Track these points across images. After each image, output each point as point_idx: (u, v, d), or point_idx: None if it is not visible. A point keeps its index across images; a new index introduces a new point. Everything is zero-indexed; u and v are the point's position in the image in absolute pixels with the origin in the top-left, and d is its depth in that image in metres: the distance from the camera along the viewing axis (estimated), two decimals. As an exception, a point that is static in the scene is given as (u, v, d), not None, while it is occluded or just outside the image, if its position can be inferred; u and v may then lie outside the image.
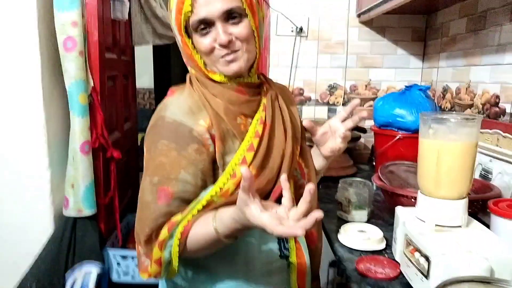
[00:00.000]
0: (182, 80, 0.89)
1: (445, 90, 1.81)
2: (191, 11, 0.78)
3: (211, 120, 0.80)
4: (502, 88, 1.38)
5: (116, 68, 2.20)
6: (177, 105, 0.82)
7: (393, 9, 1.66)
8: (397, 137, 1.61)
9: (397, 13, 1.98)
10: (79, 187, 1.72)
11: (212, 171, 0.81)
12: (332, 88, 2.10)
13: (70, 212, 1.74)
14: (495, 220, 0.99)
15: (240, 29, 0.80)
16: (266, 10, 2.00)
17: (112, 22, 2.11)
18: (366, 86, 2.10)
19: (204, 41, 0.80)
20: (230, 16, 0.79)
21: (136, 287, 1.93)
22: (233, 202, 0.73)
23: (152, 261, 0.78)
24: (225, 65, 0.81)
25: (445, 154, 0.90)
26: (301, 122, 0.97)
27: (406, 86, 1.74)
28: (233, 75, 0.83)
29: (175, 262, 0.77)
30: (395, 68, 2.08)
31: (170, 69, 4.61)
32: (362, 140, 2.05)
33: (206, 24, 0.79)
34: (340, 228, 1.16)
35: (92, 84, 1.78)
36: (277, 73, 2.04)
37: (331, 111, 2.11)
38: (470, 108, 1.58)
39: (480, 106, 1.50)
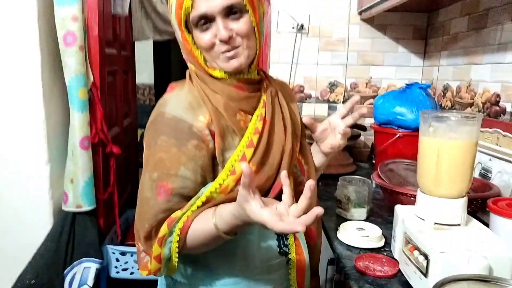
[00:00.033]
0: (182, 76, 0.89)
1: (446, 88, 1.80)
2: (192, 6, 0.77)
3: (210, 116, 0.79)
4: (502, 87, 1.38)
5: (116, 63, 2.20)
6: (177, 101, 0.81)
7: (394, 7, 1.66)
8: (397, 135, 1.61)
9: (399, 11, 1.98)
10: (78, 182, 1.72)
11: (212, 167, 0.80)
12: (332, 86, 2.10)
13: (69, 207, 1.74)
14: (495, 219, 0.99)
15: (240, 24, 0.79)
16: (267, 7, 2.00)
17: (113, 17, 2.10)
18: (366, 84, 2.10)
19: (204, 37, 0.80)
20: (231, 11, 0.79)
21: (134, 283, 1.93)
22: (233, 199, 0.73)
23: (152, 258, 0.78)
24: (226, 61, 0.81)
25: (445, 152, 0.90)
26: (301, 118, 0.96)
27: (406, 84, 1.74)
28: (233, 71, 0.82)
29: (175, 259, 0.77)
30: (396, 66, 2.08)
31: (170, 65, 4.60)
32: (362, 138, 2.05)
33: (206, 20, 0.78)
34: (339, 226, 1.16)
35: (92, 79, 1.78)
36: (277, 70, 2.04)
37: (332, 109, 2.11)
38: (470, 107, 1.58)
39: (481, 105, 1.50)
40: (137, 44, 2.72)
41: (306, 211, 0.65)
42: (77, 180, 1.72)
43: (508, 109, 1.34)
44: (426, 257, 0.81)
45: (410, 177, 1.32)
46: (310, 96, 2.11)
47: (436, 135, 0.92)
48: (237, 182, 0.77)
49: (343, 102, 2.11)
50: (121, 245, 1.98)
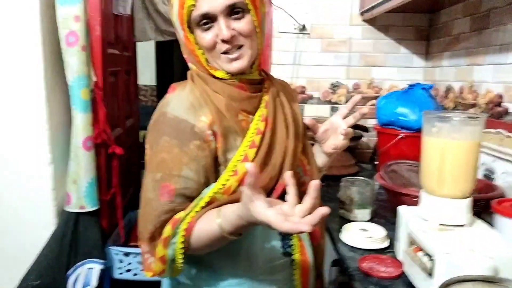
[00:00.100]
0: (184, 77, 0.89)
1: (448, 89, 1.80)
2: (194, 6, 0.77)
3: (212, 117, 0.79)
4: (505, 88, 1.38)
5: (118, 63, 2.20)
6: (178, 101, 0.81)
7: (396, 8, 1.65)
8: (400, 136, 1.61)
9: (401, 12, 1.98)
10: (81, 183, 1.72)
11: (214, 168, 0.80)
12: (334, 87, 2.10)
13: (73, 208, 1.73)
14: (499, 219, 0.99)
15: (242, 24, 0.79)
16: (269, 8, 2.00)
17: (115, 17, 2.10)
18: (368, 84, 2.10)
19: (206, 36, 0.79)
20: (233, 11, 0.79)
21: (138, 284, 1.93)
22: (236, 200, 0.73)
23: (156, 259, 0.77)
24: (228, 62, 0.81)
25: (448, 152, 0.90)
26: (302, 119, 0.96)
27: (409, 85, 1.74)
28: (235, 73, 0.82)
29: (179, 260, 0.77)
30: (398, 67, 2.08)
31: (173, 66, 4.60)
32: (364, 139, 2.05)
33: (208, 19, 0.78)
34: (342, 227, 1.16)
35: (94, 79, 1.78)
36: (279, 71, 2.04)
37: (334, 110, 2.11)
38: (473, 108, 1.58)
39: (483, 106, 1.50)
40: (139, 45, 2.72)
41: (311, 211, 0.65)
42: (80, 181, 1.72)
43: (510, 110, 1.34)
44: (430, 258, 0.81)
45: (413, 178, 1.32)
46: (312, 97, 2.11)
47: (440, 136, 0.92)
48: (240, 182, 0.77)
49: (345, 103, 2.10)
50: (124, 246, 1.97)
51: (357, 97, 0.97)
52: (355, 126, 1.98)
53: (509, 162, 1.28)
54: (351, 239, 1.10)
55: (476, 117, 0.91)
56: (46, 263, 1.67)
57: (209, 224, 0.74)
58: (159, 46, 4.24)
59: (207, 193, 0.77)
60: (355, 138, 1.85)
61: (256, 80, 0.87)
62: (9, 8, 1.62)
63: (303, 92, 2.09)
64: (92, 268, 1.72)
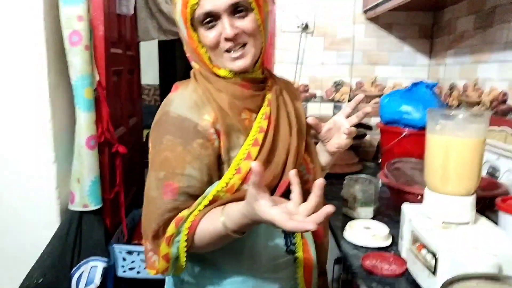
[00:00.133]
0: (187, 77, 0.89)
1: (452, 87, 1.79)
2: (197, 4, 0.77)
3: (215, 115, 0.79)
4: (510, 85, 1.37)
5: (121, 63, 2.20)
6: (181, 100, 0.81)
7: (399, 6, 1.65)
8: (404, 134, 1.60)
9: (404, 10, 1.97)
10: (84, 182, 1.72)
11: (218, 166, 0.80)
12: (338, 85, 2.09)
13: (76, 206, 1.74)
14: (503, 217, 0.99)
15: (246, 22, 0.79)
16: (272, 6, 1.99)
17: (118, 16, 2.11)
18: (372, 83, 2.09)
19: (209, 35, 0.79)
20: (236, 9, 0.78)
21: (141, 282, 1.93)
22: (240, 198, 0.73)
23: (160, 257, 0.78)
24: (231, 61, 0.81)
25: (452, 150, 0.90)
26: (305, 117, 0.96)
27: (412, 83, 1.73)
28: (238, 71, 0.82)
29: (183, 258, 0.77)
30: (402, 65, 2.07)
31: (175, 65, 4.61)
32: (367, 137, 2.04)
33: (212, 17, 0.78)
34: (345, 225, 1.16)
35: (97, 78, 1.79)
36: (282, 69, 2.04)
37: (337, 108, 2.11)
38: (477, 106, 1.57)
39: (488, 104, 1.49)
40: (142, 45, 2.73)
41: (315, 210, 0.65)
42: (83, 179, 1.72)
43: (515, 108, 1.33)
44: (434, 255, 0.80)
45: (417, 176, 1.31)
46: (315, 96, 2.10)
47: (444, 133, 0.92)
48: (243, 181, 0.77)
49: (349, 101, 2.10)
50: (127, 244, 1.98)
51: (360, 96, 0.96)
52: (359, 125, 1.97)
53: (514, 160, 1.27)
54: (354, 237, 1.10)
55: (480, 115, 0.91)
56: (50, 261, 1.68)
57: (213, 222, 0.74)
58: (162, 45, 4.24)
59: (211, 192, 0.77)
60: (358, 137, 1.84)
61: (259, 79, 0.87)
62: (12, 8, 1.62)
63: (306, 91, 2.09)
64: (95, 266, 1.72)
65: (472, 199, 0.90)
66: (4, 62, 1.66)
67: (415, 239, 0.90)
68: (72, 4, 1.64)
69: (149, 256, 0.81)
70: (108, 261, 1.78)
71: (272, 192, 0.80)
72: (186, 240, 0.75)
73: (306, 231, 0.63)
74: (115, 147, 1.88)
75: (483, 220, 0.93)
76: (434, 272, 0.80)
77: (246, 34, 0.80)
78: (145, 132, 2.84)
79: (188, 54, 0.87)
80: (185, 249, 0.76)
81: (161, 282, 1.00)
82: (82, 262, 1.71)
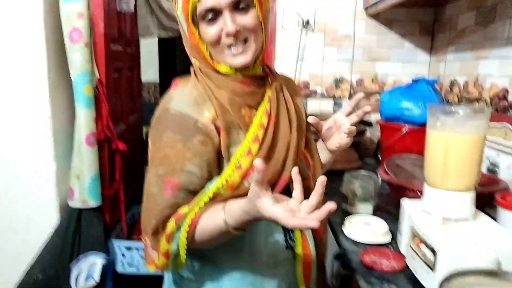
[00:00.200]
0: (187, 74, 0.89)
1: (453, 84, 1.79)
2: (199, 0, 0.77)
3: (215, 111, 0.79)
4: (510, 81, 1.36)
5: (122, 60, 2.20)
6: (181, 96, 0.81)
7: (400, 2, 1.64)
8: (404, 130, 1.60)
9: (405, 6, 1.96)
10: (84, 179, 1.73)
11: (218, 163, 0.80)
12: (338, 82, 2.09)
13: (76, 203, 1.75)
14: (503, 213, 0.98)
15: (248, 19, 0.79)
16: (272, 2, 1.99)
17: (118, 14, 2.11)
18: (372, 79, 2.09)
19: (210, 30, 0.79)
20: (238, 5, 0.78)
21: (140, 278, 1.94)
22: (240, 195, 0.73)
23: (160, 253, 0.78)
24: (232, 57, 0.80)
25: (453, 146, 0.89)
26: (306, 113, 0.96)
27: (413, 80, 1.73)
28: (239, 67, 0.82)
29: (183, 254, 0.77)
30: (402, 62, 2.07)
31: (176, 63, 4.60)
32: (367, 134, 2.04)
33: (213, 13, 0.78)
34: (345, 221, 1.16)
35: (97, 75, 1.79)
36: (282, 66, 2.03)
37: (337, 105, 2.10)
38: (478, 102, 1.57)
39: (488, 100, 1.49)
40: (142, 43, 2.72)
41: (317, 207, 0.65)
42: (83, 176, 1.73)
43: (516, 104, 1.33)
44: (433, 251, 0.80)
45: (417, 172, 1.31)
46: (315, 92, 2.10)
47: (444, 129, 0.91)
48: (244, 177, 0.77)
49: (349, 98, 2.10)
50: (127, 240, 1.98)
51: (360, 95, 0.97)
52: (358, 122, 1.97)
53: (514, 156, 1.27)
54: (353, 233, 1.10)
55: (481, 111, 0.91)
56: (49, 257, 1.68)
57: (214, 219, 0.74)
58: (162, 43, 4.24)
59: (211, 188, 0.77)
60: (358, 133, 1.84)
61: (259, 75, 0.87)
62: (13, 6, 1.62)
63: (306, 88, 2.08)
64: (95, 262, 1.73)
65: (472, 195, 0.90)
66: (4, 60, 1.66)
67: (415, 235, 0.90)
68: (72, 1, 1.64)
69: (149, 252, 0.81)
70: (107, 257, 1.79)
71: (271, 188, 0.80)
72: (186, 237, 0.75)
73: (309, 228, 0.63)
74: (114, 143, 1.88)
75: (483, 216, 0.93)
76: (433, 268, 0.80)
77: (247, 30, 0.79)
78: (145, 129, 2.84)
79: (188, 51, 0.87)
80: (185, 246, 0.76)
81: (161, 278, 1.00)
82: (82, 258, 1.72)
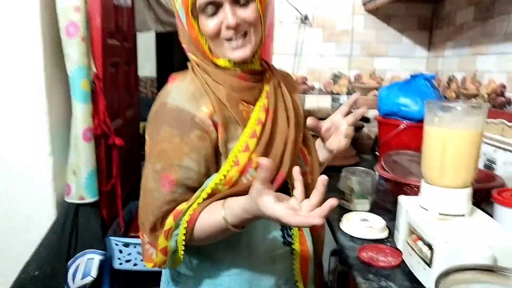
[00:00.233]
0: (185, 69, 0.88)
1: (451, 79, 1.79)
2: None
3: (213, 106, 0.79)
4: (508, 77, 1.36)
5: (119, 54, 2.19)
6: (178, 91, 0.81)
7: (399, -3, 1.64)
8: (401, 126, 1.60)
9: (403, 1, 1.96)
10: (81, 174, 1.72)
11: (215, 159, 0.80)
12: (336, 77, 2.09)
13: (72, 199, 1.74)
14: (499, 209, 0.99)
15: (248, 12, 0.78)
16: (270, -3, 1.98)
17: (115, 8, 2.09)
18: (370, 75, 2.08)
19: (210, 23, 0.78)
20: None
21: (138, 274, 1.94)
22: (238, 192, 0.74)
23: (158, 250, 0.77)
24: (232, 50, 0.80)
25: (450, 142, 0.89)
26: (303, 110, 0.96)
27: (411, 75, 1.73)
28: (239, 61, 0.81)
29: (181, 251, 0.77)
30: (400, 57, 2.06)
31: (173, 58, 4.58)
32: (365, 129, 2.04)
33: (214, 6, 0.77)
34: (342, 217, 1.16)
35: (94, 70, 1.77)
36: (280, 61, 2.03)
37: (335, 101, 2.10)
38: (475, 98, 1.57)
39: (486, 96, 1.49)
40: (139, 37, 2.71)
41: (318, 205, 0.65)
42: (79, 172, 1.72)
43: (513, 100, 1.33)
44: (430, 247, 0.80)
45: (414, 168, 1.31)
46: (313, 88, 2.09)
47: (442, 125, 0.91)
48: (241, 173, 0.77)
49: (347, 94, 2.09)
50: (124, 236, 1.98)
51: (355, 96, 0.98)
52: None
53: (510, 152, 1.27)
54: (351, 229, 1.10)
55: (479, 107, 0.91)
56: (46, 253, 1.68)
57: (213, 216, 0.74)
58: (160, 38, 4.22)
59: (209, 184, 0.76)
60: (356, 129, 1.84)
61: (257, 71, 0.86)
62: (8, -1, 1.61)
63: (304, 83, 2.08)
64: (92, 258, 1.72)
65: (468, 191, 0.91)
66: (0, 54, 1.64)
67: (412, 231, 0.90)
68: (68, -6, 1.62)
69: (146, 249, 0.80)
70: (104, 253, 1.78)
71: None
72: (184, 234, 0.75)
73: (314, 225, 0.63)
74: (111, 139, 1.87)
75: (479, 213, 0.93)
76: (429, 264, 0.80)
77: (247, 24, 0.79)
78: (142, 124, 2.83)
79: (184, 45, 0.86)
80: (184, 243, 0.76)
81: (158, 274, 1.00)
82: (79, 254, 1.71)
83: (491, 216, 0.96)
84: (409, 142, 1.52)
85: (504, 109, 1.36)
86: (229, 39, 0.79)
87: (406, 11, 2.01)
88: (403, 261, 0.94)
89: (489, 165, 1.36)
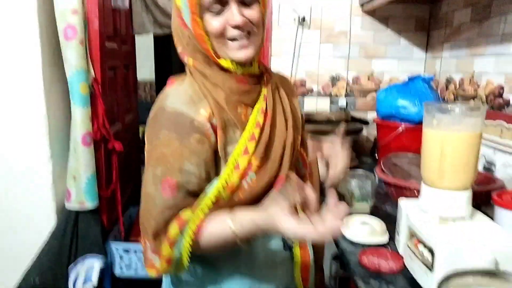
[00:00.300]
0: (183, 72, 0.88)
1: (449, 81, 1.79)
2: None
3: (212, 110, 0.78)
4: (506, 79, 1.36)
5: (117, 58, 2.18)
6: (177, 94, 0.80)
7: (397, -1, 1.64)
8: (399, 129, 1.60)
9: (401, 3, 1.96)
10: (81, 180, 1.71)
11: (215, 162, 0.80)
12: (334, 80, 2.08)
13: (73, 204, 1.73)
14: (499, 212, 0.99)
15: (253, 12, 0.78)
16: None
17: (113, 10, 2.09)
18: (368, 77, 2.08)
19: (215, 22, 0.78)
20: None
21: (138, 281, 1.93)
22: (241, 202, 0.75)
23: (162, 259, 0.76)
24: (236, 49, 0.79)
25: (449, 144, 0.89)
26: (301, 113, 0.96)
27: (409, 77, 1.73)
28: (242, 61, 0.81)
29: (185, 260, 0.76)
30: (398, 59, 2.06)
31: (171, 61, 4.58)
32: (364, 132, 2.04)
33: (220, 5, 0.77)
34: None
35: (93, 73, 1.77)
36: (278, 63, 2.03)
37: (334, 103, 2.10)
38: (473, 99, 1.57)
39: (484, 97, 1.49)
40: (138, 40, 2.70)
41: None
42: (79, 177, 1.71)
43: (512, 101, 1.33)
44: (431, 251, 0.80)
45: (414, 171, 1.31)
46: (311, 90, 2.09)
47: (440, 127, 0.91)
48: (241, 177, 0.77)
49: (345, 96, 2.09)
50: (124, 242, 1.97)
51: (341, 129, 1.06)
52: (355, 119, 1.97)
53: (509, 154, 1.27)
54: (351, 233, 1.10)
55: (477, 108, 0.91)
56: (47, 259, 1.67)
57: (221, 229, 0.74)
58: (158, 41, 4.22)
59: (212, 191, 0.76)
60: (355, 132, 1.84)
61: (255, 74, 0.86)
62: (6, 2, 1.60)
63: (302, 86, 2.08)
64: (92, 265, 1.72)
65: (468, 194, 0.90)
66: (-2, 58, 1.64)
67: (412, 235, 0.90)
68: (66, -3, 1.62)
69: (148, 256, 0.79)
70: (105, 260, 1.77)
71: (269, 187, 0.79)
72: (191, 243, 0.74)
73: (337, 231, 0.67)
74: (111, 143, 1.86)
75: (479, 215, 0.93)
76: (431, 268, 0.80)
77: (251, 23, 0.79)
78: (141, 128, 2.82)
79: (180, 48, 0.85)
80: (189, 252, 0.75)
81: (159, 280, 0.99)
82: (79, 260, 1.71)
83: (492, 218, 0.95)
84: (409, 144, 1.52)
85: (503, 111, 1.36)
86: (234, 39, 0.79)
87: (403, 12, 2.01)
88: (404, 265, 0.93)
89: (489, 167, 1.36)
